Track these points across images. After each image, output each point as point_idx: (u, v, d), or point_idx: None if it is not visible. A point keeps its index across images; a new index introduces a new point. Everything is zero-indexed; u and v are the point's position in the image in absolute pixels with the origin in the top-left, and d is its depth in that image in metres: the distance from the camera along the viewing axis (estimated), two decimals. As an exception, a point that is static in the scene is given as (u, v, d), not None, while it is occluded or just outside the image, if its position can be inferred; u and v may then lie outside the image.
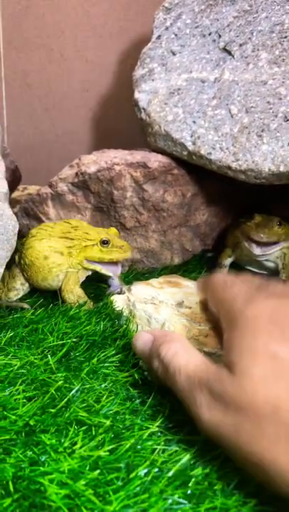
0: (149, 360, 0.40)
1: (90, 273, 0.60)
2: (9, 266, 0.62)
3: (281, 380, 0.30)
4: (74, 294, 0.57)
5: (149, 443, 0.35)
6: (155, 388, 0.43)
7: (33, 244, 0.58)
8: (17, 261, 0.61)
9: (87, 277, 0.61)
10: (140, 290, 0.56)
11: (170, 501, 0.30)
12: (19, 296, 0.61)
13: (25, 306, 0.58)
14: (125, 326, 0.51)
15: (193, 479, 0.32)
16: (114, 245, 0.57)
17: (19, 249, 0.61)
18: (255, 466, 0.30)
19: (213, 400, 0.32)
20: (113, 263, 0.58)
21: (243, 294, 0.37)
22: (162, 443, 0.36)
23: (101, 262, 0.58)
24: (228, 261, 0.71)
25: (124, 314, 0.53)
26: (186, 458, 0.34)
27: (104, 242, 0.57)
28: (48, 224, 0.62)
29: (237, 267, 0.74)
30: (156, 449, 0.35)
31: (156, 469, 0.33)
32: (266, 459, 0.29)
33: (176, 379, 0.35)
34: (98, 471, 0.32)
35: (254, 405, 0.30)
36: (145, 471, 0.33)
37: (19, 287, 0.61)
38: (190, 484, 0.32)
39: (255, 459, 0.30)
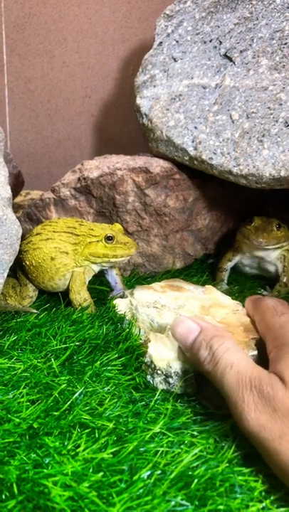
0: (194, 349, 0.41)
1: (96, 271, 0.60)
2: (15, 272, 0.62)
3: None
4: (81, 295, 0.57)
5: (152, 445, 0.36)
6: (157, 391, 0.43)
7: (40, 245, 0.58)
8: (20, 263, 0.61)
9: (90, 281, 0.61)
10: (142, 294, 0.56)
11: (173, 503, 0.31)
12: (32, 302, 0.61)
13: (34, 311, 0.58)
14: (128, 330, 0.51)
15: (195, 481, 0.32)
16: (119, 241, 0.57)
17: (20, 248, 0.60)
18: None
19: (262, 402, 0.33)
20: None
21: None
22: (165, 445, 0.36)
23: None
24: (228, 265, 0.72)
25: (127, 318, 0.53)
26: (188, 460, 0.34)
27: (109, 238, 0.56)
28: (52, 220, 0.62)
29: (237, 272, 0.74)
30: (158, 451, 0.35)
31: (158, 471, 0.33)
32: None
33: (226, 373, 0.36)
34: (101, 474, 0.32)
35: None
36: (148, 473, 0.33)
37: (32, 294, 0.61)
38: (192, 486, 0.32)
39: None
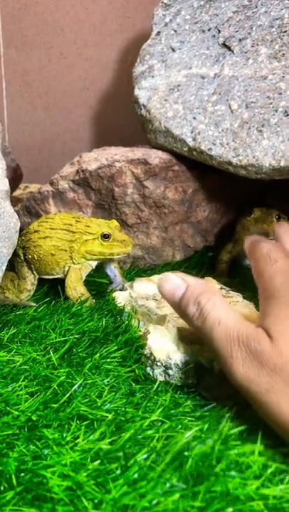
0: (182, 305, 0.40)
1: (94, 266, 0.60)
2: (14, 265, 0.62)
3: None
4: (77, 290, 0.57)
5: (149, 432, 0.36)
6: (157, 383, 0.43)
7: (39, 242, 0.58)
8: (22, 258, 0.61)
9: (89, 274, 0.61)
10: (142, 286, 0.56)
11: (168, 485, 0.31)
12: (30, 296, 0.61)
13: (32, 304, 0.58)
14: (127, 322, 0.51)
15: (190, 460, 0.32)
16: (116, 239, 0.56)
17: (21, 245, 0.60)
18: (282, 427, 0.32)
19: (250, 357, 0.34)
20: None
21: (283, 273, 0.39)
22: (161, 430, 0.36)
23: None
24: (227, 257, 0.71)
25: (126, 310, 0.53)
26: (183, 440, 0.34)
27: (105, 236, 0.56)
28: (48, 216, 0.62)
29: (237, 264, 0.74)
30: (155, 437, 0.35)
31: (154, 455, 0.33)
32: None
33: (214, 329, 0.37)
34: (99, 462, 0.32)
35: (288, 368, 0.32)
36: (144, 456, 0.33)
37: (30, 288, 0.61)
38: (187, 466, 0.32)
39: (283, 420, 0.32)
